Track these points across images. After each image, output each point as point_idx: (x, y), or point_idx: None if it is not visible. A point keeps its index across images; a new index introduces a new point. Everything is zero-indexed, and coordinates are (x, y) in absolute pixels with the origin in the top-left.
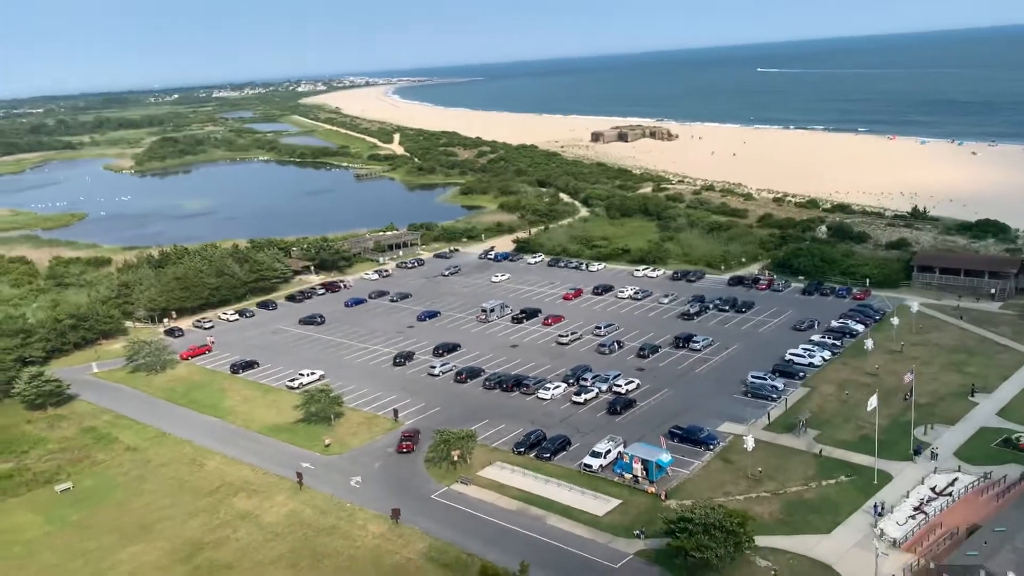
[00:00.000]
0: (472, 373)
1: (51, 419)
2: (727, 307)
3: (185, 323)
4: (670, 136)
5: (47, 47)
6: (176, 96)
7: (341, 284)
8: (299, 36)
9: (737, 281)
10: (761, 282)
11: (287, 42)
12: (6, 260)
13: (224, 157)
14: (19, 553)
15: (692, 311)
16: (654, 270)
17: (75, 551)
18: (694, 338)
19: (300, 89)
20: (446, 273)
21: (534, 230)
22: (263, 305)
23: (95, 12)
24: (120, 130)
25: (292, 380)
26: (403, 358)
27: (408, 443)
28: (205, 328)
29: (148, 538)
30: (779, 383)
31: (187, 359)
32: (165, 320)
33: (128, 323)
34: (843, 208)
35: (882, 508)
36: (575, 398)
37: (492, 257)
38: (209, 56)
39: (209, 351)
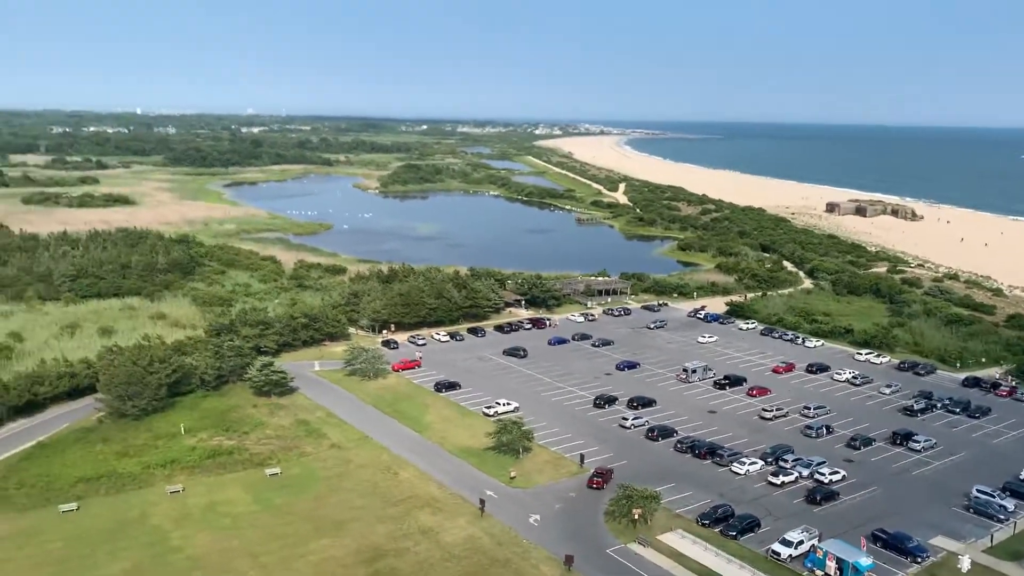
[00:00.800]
0: (665, 432)
1: (272, 407)
2: (958, 409)
3: (401, 337)
4: (914, 216)
5: (325, 73)
6: (424, 127)
7: (547, 322)
8: (544, 81)
9: (973, 382)
10: (1002, 387)
11: (531, 85)
12: (259, 258)
13: (459, 188)
14: (227, 525)
15: (917, 407)
16: (878, 356)
17: (274, 533)
18: (915, 437)
19: (537, 132)
20: (652, 326)
21: (750, 295)
22: (473, 331)
23: (372, 45)
24: (372, 153)
25: (488, 407)
26: (604, 401)
27: (599, 480)
28: (418, 344)
29: (338, 534)
30: (1009, 503)
31: (398, 371)
32: (384, 332)
33: (351, 329)
34: None
35: None
36: (772, 478)
37: (702, 317)
38: (458, 93)
39: (418, 366)
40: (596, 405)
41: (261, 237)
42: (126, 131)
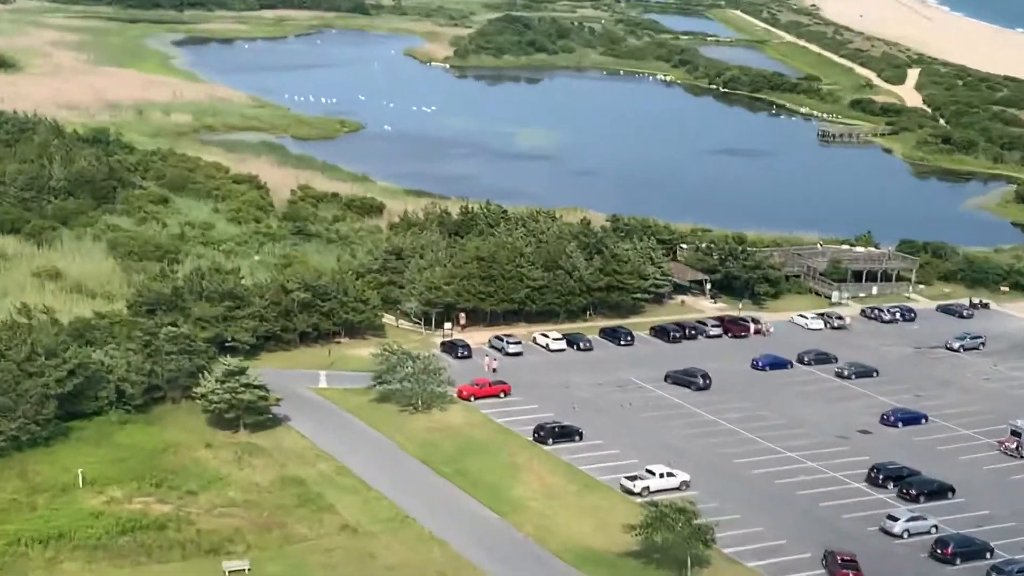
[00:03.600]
0: (968, 549)
1: (242, 448)
2: None
3: (477, 336)
4: None
5: None
6: None
7: (752, 325)
8: None
9: None
10: None
11: None
12: (230, 177)
13: (598, 64)
14: None
15: None
16: None
17: None
18: None
19: None
20: (955, 346)
21: None
22: (609, 333)
23: None
24: None
25: (632, 477)
26: (886, 476)
27: (850, 572)
28: (507, 352)
29: None
30: None
31: (467, 399)
32: (447, 324)
33: (388, 316)
34: None
35: None
36: None
37: None
38: None
39: (506, 392)
40: (870, 480)
41: (236, 139)
42: None
